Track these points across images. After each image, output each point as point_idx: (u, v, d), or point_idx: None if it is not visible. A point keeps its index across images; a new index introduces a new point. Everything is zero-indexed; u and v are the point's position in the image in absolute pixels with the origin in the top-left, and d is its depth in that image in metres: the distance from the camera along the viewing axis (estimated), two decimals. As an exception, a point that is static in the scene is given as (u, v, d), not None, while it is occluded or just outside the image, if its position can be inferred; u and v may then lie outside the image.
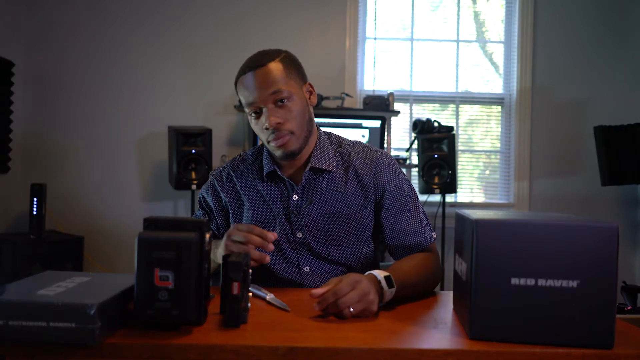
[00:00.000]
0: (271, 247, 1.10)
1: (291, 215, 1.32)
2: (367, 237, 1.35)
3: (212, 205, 1.40)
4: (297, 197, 1.32)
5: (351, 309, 0.96)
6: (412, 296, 1.14)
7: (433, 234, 1.34)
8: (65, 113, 3.45)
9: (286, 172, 1.34)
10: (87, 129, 3.46)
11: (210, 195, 1.41)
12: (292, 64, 1.29)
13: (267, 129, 1.24)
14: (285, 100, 1.24)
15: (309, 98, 1.33)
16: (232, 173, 1.39)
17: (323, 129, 1.43)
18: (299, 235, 1.32)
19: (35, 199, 3.00)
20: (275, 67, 1.25)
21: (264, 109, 1.24)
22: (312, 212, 1.32)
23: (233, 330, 0.87)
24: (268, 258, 1.11)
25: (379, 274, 1.05)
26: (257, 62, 1.25)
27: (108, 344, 0.80)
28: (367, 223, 1.34)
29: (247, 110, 1.28)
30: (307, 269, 1.32)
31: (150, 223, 0.88)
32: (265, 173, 1.33)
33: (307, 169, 1.31)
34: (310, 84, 1.34)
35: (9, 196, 3.30)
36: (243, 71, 1.26)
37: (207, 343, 0.81)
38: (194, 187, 3.05)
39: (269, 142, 1.27)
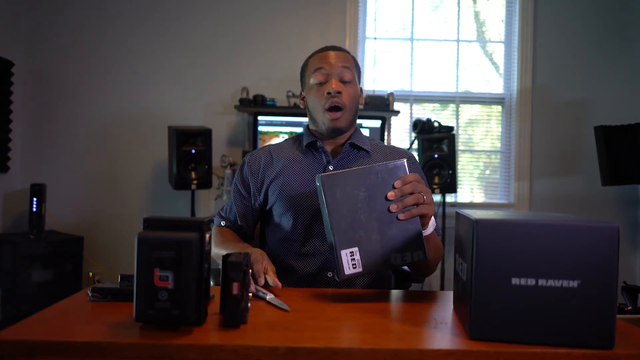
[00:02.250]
0: (261, 282, 1.14)
1: None
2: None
3: (240, 189, 1.53)
4: (332, 168, 1.44)
5: (424, 197, 1.07)
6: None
7: (438, 228, 1.44)
8: (65, 113, 3.45)
9: (326, 147, 1.48)
10: (87, 129, 3.46)
11: (239, 175, 1.54)
12: (358, 65, 1.50)
13: (328, 93, 1.39)
14: (348, 81, 1.42)
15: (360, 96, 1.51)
16: (270, 150, 1.53)
17: None
18: None
19: (35, 199, 3.01)
20: (349, 56, 1.47)
21: (330, 79, 1.40)
22: None
23: (233, 330, 0.87)
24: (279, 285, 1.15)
25: None
26: (336, 47, 1.46)
27: (108, 344, 0.80)
28: None
29: (312, 79, 1.43)
30: None
31: (150, 223, 0.88)
32: (305, 143, 1.47)
33: (347, 143, 1.46)
34: (361, 88, 1.51)
35: (9, 196, 3.30)
36: (321, 50, 1.45)
37: (207, 343, 0.81)
38: (193, 187, 3.05)
39: (324, 109, 1.41)
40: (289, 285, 1.38)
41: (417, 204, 1.07)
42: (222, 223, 1.53)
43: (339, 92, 1.39)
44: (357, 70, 1.48)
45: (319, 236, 1.38)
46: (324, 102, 1.40)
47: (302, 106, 1.52)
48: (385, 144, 1.58)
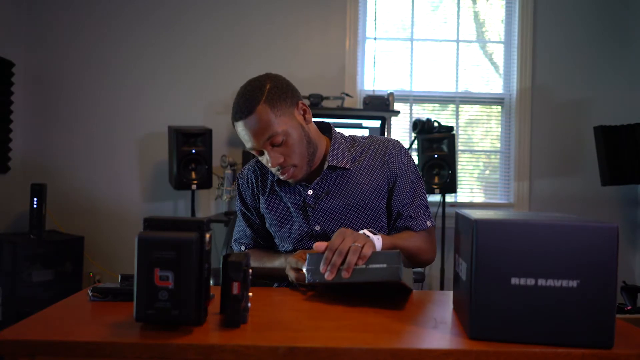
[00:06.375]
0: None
1: (307, 209, 1.37)
2: (383, 225, 1.41)
3: (245, 211, 1.50)
4: (311, 192, 1.37)
5: (357, 244, 1.05)
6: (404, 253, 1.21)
7: (428, 222, 1.40)
8: (65, 113, 3.45)
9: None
10: (87, 129, 3.46)
11: (239, 199, 1.51)
12: (278, 97, 1.24)
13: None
14: (280, 142, 1.25)
15: (304, 117, 1.32)
16: (257, 169, 1.46)
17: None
18: (317, 228, 1.37)
19: (35, 199, 3.01)
20: (263, 110, 1.22)
21: (264, 151, 1.27)
22: (329, 204, 1.36)
23: (233, 330, 0.87)
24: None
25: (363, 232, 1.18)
26: (244, 110, 1.22)
27: (108, 343, 0.80)
28: (381, 210, 1.40)
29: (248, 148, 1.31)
30: None
31: (150, 223, 0.88)
32: (275, 179, 1.39)
33: (325, 167, 1.36)
34: (302, 103, 1.31)
35: (9, 196, 3.30)
36: (234, 118, 1.26)
37: (207, 343, 0.81)
38: (194, 187, 3.05)
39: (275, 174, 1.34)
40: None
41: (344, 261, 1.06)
42: (242, 248, 1.51)
43: (281, 162, 1.27)
44: (282, 106, 1.24)
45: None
46: (272, 171, 1.33)
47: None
48: (371, 137, 1.46)
